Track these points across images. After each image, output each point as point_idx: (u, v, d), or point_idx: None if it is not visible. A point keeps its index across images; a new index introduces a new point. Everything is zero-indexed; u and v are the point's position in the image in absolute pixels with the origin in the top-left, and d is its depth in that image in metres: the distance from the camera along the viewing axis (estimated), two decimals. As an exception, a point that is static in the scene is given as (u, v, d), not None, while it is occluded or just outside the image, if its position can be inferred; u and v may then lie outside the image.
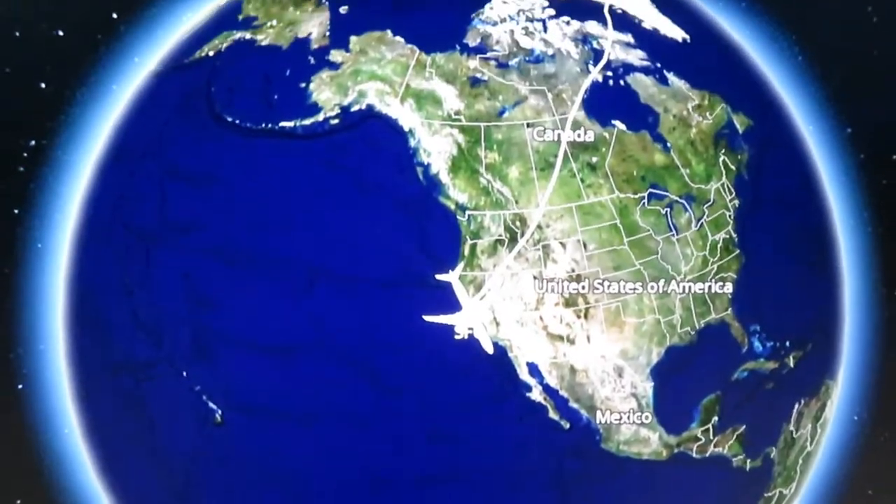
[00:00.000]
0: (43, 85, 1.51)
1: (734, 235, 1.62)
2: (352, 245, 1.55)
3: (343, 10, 1.61)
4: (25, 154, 1.53)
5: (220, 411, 1.56)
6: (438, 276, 1.56)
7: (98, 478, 1.62)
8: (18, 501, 1.57)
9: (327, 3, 1.62)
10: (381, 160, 1.57)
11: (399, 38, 1.60)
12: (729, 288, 1.62)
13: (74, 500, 1.62)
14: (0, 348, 1.53)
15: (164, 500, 1.61)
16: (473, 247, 1.57)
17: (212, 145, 1.56)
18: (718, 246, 1.61)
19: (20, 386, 1.55)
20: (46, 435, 1.59)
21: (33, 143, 1.52)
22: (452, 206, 1.57)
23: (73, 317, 1.58)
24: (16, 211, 1.53)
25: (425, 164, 1.56)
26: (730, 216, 1.62)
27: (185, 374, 1.56)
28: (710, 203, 1.60)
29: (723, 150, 1.63)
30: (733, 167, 1.63)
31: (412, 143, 1.56)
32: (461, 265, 1.57)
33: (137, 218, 1.57)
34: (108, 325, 1.57)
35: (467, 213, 1.57)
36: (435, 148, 1.57)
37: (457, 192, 1.57)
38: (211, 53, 1.60)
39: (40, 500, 1.59)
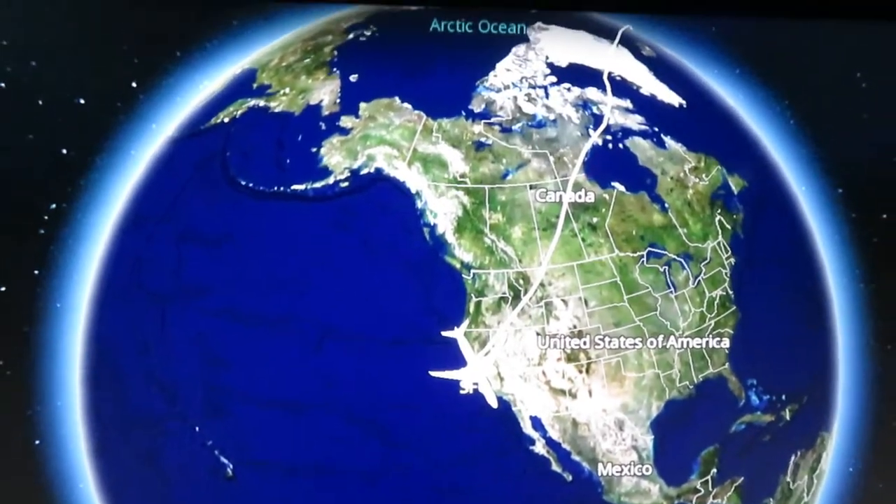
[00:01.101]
0: (64, 151, 1.58)
1: (730, 292, 1.69)
2: (360, 304, 1.62)
3: (353, 78, 1.69)
4: (46, 217, 1.57)
5: (231, 466, 1.62)
6: (444, 333, 1.63)
7: None
8: (35, 557, 1.62)
9: (338, 71, 1.70)
10: (389, 221, 1.63)
11: (407, 105, 1.67)
12: (726, 343, 1.68)
13: None
14: (18, 405, 1.58)
15: None
16: (478, 304, 1.64)
17: (226, 208, 1.62)
18: (715, 302, 1.68)
19: (37, 441, 1.59)
20: (62, 490, 1.63)
21: (54, 206, 1.57)
22: (458, 266, 1.64)
23: (90, 374, 1.63)
24: (36, 272, 1.58)
25: (432, 224, 1.64)
26: (726, 273, 1.68)
27: (197, 429, 1.62)
28: (706, 261, 1.67)
29: (719, 210, 1.69)
30: (729, 226, 1.69)
31: (419, 204, 1.64)
32: (466, 322, 1.64)
33: (153, 279, 1.63)
34: (124, 382, 1.63)
35: (472, 271, 1.64)
36: (441, 209, 1.64)
37: (462, 252, 1.64)
38: (226, 120, 1.67)
39: (56, 554, 1.65)
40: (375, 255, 1.63)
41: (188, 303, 1.62)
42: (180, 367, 1.62)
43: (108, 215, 1.63)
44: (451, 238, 1.64)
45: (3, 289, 1.62)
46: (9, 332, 1.61)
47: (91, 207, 1.62)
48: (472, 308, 1.64)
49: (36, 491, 1.62)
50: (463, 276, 1.64)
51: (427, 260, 1.64)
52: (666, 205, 1.67)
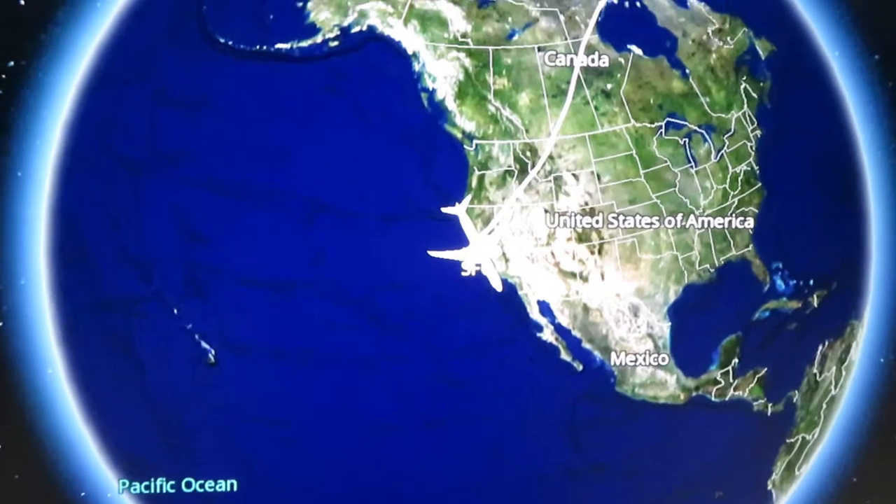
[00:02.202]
0: (21, 1, 1.46)
1: (756, 167, 1.60)
2: (352, 176, 1.52)
3: (343, -77, 1.58)
4: (3, 76, 1.46)
5: (213, 351, 1.53)
6: (444, 210, 1.54)
7: (84, 422, 1.58)
8: (0, 447, 1.53)
9: (326, -85, 1.59)
10: (383, 86, 1.53)
11: (403, -46, 1.57)
12: (750, 223, 1.60)
13: (58, 445, 1.57)
14: (-23, 284, 1.49)
15: (153, 445, 1.57)
16: (481, 178, 1.55)
17: (203, 68, 1.51)
18: (739, 178, 1.59)
19: (0, 324, 1.51)
20: (28, 376, 1.54)
21: (12, 63, 1.46)
22: (459, 135, 1.54)
23: (56, 250, 1.53)
24: (-6, 137, 1.48)
25: (430, 89, 1.53)
26: (751, 147, 1.59)
27: (176, 311, 1.52)
28: (730, 133, 1.58)
29: (744, 77, 1.60)
30: (755, 95, 1.60)
31: (416, 67, 1.53)
32: (468, 197, 1.55)
33: (124, 146, 1.52)
34: (94, 259, 1.53)
35: (475, 142, 1.55)
36: (440, 73, 1.54)
37: (464, 120, 1.55)
38: (202, -31, 1.57)
39: (22, 445, 1.54)
40: (368, 123, 1.53)
41: (163, 171, 1.51)
42: (156, 242, 1.52)
43: (73, 74, 1.51)
44: (451, 105, 1.54)
45: (-44, 157, 1.52)
46: (-36, 205, 1.52)
47: (53, 65, 1.50)
48: (474, 182, 1.55)
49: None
50: (465, 146, 1.54)
51: (425, 129, 1.54)
52: (687, 70, 1.57)
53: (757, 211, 1.60)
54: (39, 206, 1.51)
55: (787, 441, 1.71)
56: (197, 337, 1.53)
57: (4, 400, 1.53)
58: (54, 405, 1.56)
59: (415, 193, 1.54)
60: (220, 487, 1.56)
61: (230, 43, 1.51)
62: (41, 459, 1.58)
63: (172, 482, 1.56)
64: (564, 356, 1.59)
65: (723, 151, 1.58)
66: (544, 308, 1.57)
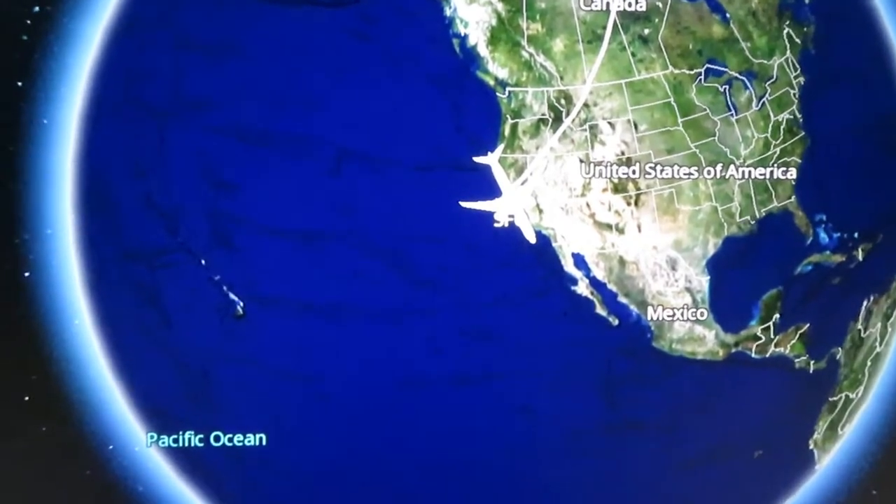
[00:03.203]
0: (47, -54, 1.46)
1: (799, 116, 1.55)
2: (382, 124, 1.51)
3: None
4: (29, 21, 1.46)
5: (241, 303, 1.53)
6: (476, 159, 1.52)
7: (111, 374, 1.58)
8: (27, 398, 1.53)
9: None
10: (414, 31, 1.51)
11: None
12: (793, 173, 1.56)
13: (85, 397, 1.58)
14: (5, 233, 1.48)
15: (181, 398, 1.57)
16: (514, 126, 1.53)
17: (230, 13, 1.48)
18: (781, 127, 1.55)
19: (27, 273, 1.50)
20: (55, 327, 1.54)
21: (37, 9, 1.45)
22: (491, 82, 1.52)
23: (81, 199, 1.53)
24: (19, 83, 1.46)
25: (462, 35, 1.51)
26: (794, 94, 1.55)
27: (203, 262, 1.53)
28: (772, 80, 1.54)
29: (787, 22, 1.55)
30: (798, 40, 1.55)
31: (447, 12, 1.50)
32: (501, 146, 1.53)
33: (150, 93, 1.51)
34: (120, 208, 1.53)
35: (508, 89, 1.52)
36: (472, 18, 1.51)
37: (496, 67, 1.53)
38: (229, -89, 1.56)
39: (49, 397, 1.55)
40: (399, 69, 1.51)
41: (188, 119, 1.50)
42: (182, 191, 1.52)
43: (99, 20, 1.51)
44: (483, 51, 1.52)
45: (-17, 105, 1.52)
46: (-10, 153, 1.53)
47: (79, 11, 1.49)
48: (507, 131, 1.53)
49: (25, 327, 1.53)
50: (497, 94, 1.52)
51: (456, 75, 1.52)
52: (727, 14, 1.53)
53: (800, 161, 1.56)
54: (65, 154, 1.51)
55: (830, 399, 1.68)
56: (224, 288, 1.53)
57: (31, 351, 1.54)
58: (81, 357, 1.57)
59: (446, 142, 1.53)
60: (249, 441, 1.56)
61: (257, -14, 1.53)
62: (68, 412, 1.58)
63: (201, 435, 1.57)
64: (599, 310, 1.57)
65: (764, 99, 1.54)
66: (579, 261, 1.56)
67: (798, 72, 1.57)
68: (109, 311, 1.56)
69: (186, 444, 1.57)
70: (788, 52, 1.56)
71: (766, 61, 1.56)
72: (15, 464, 1.59)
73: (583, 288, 1.57)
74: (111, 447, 1.61)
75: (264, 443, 1.57)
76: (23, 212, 1.51)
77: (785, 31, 1.56)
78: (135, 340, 1.56)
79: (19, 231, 1.51)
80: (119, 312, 1.56)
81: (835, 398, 1.69)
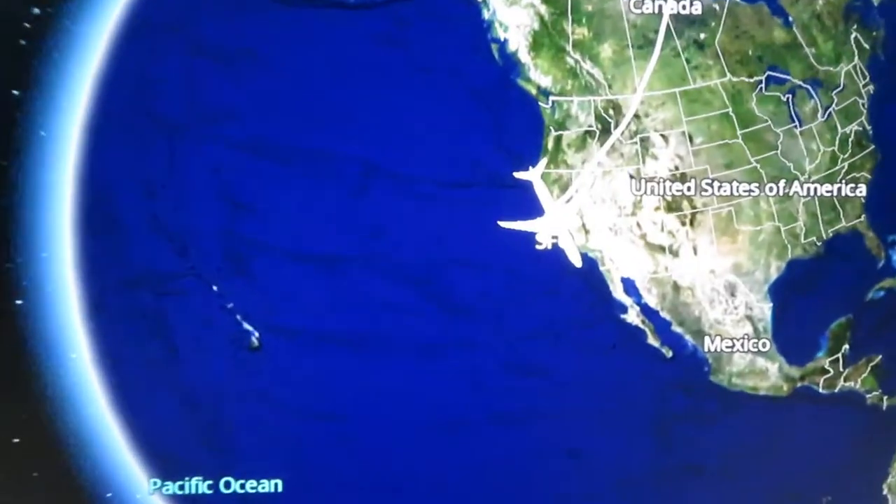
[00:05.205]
0: (48, -58, 1.39)
1: (868, 128, 1.51)
2: (413, 138, 1.46)
3: None
4: (27, 24, 1.38)
5: (256, 333, 1.46)
6: (517, 175, 1.48)
7: (111, 414, 1.48)
8: (16, 440, 1.43)
9: None
10: (449, 36, 1.46)
11: None
12: (862, 190, 1.51)
13: (82, 439, 1.48)
14: (-5, 256, 1.40)
15: (189, 440, 1.48)
16: (558, 139, 1.49)
17: (249, 16, 1.42)
18: (850, 140, 1.51)
19: (19, 301, 1.41)
20: (50, 361, 1.44)
21: (37, 11, 1.38)
22: (534, 91, 1.48)
23: (82, 219, 1.44)
24: (15, 92, 1.38)
25: (501, 40, 1.47)
26: (863, 105, 1.51)
27: (215, 288, 1.45)
28: (839, 89, 1.50)
29: (854, 26, 1.50)
30: (867, 46, 1.51)
31: (486, 15, 1.46)
32: (544, 161, 1.48)
33: (160, 103, 1.44)
34: (125, 229, 1.45)
35: (551, 98, 1.48)
36: (513, 21, 1.47)
37: (539, 74, 1.48)
38: None
39: (42, 438, 1.44)
40: (432, 78, 1.46)
41: (203, 132, 1.43)
42: (193, 210, 1.45)
43: (104, 23, 1.42)
44: (525, 57, 1.47)
45: (-26, 116, 1.45)
46: (-18, 168, 1.45)
47: (83, 13, 1.42)
48: (550, 144, 1.48)
49: (16, 361, 1.42)
50: (540, 104, 1.47)
51: (496, 84, 1.47)
52: (790, 18, 1.49)
53: (870, 177, 1.52)
54: (65, 170, 1.43)
55: None
56: (238, 318, 1.47)
57: (23, 387, 1.43)
58: (78, 394, 1.47)
59: (484, 157, 1.48)
60: (264, 488, 1.48)
61: (278, -13, 1.47)
62: (63, 455, 1.47)
63: (210, 482, 1.48)
64: (652, 341, 1.52)
65: (831, 109, 1.50)
66: (629, 286, 1.51)
67: (867, 80, 1.52)
68: (111, 343, 1.47)
69: (194, 492, 1.48)
70: (856, 58, 1.52)
71: (832, 68, 1.51)
72: (3, 513, 1.51)
73: (633, 316, 1.52)
74: (109, 495, 1.51)
75: (280, 490, 1.49)
76: (16, 233, 1.42)
77: (852, 36, 1.52)
78: (138, 375, 1.47)
79: (11, 254, 1.41)
80: (122, 344, 1.46)
81: (911, 438, 1.65)
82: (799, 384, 1.56)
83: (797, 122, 1.51)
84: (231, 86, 1.45)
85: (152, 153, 1.45)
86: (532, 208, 1.48)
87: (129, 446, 1.50)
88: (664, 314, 1.52)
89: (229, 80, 1.45)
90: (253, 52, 1.45)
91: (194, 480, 1.49)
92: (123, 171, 1.46)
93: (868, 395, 1.58)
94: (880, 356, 1.57)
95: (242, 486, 1.49)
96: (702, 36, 1.49)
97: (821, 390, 1.56)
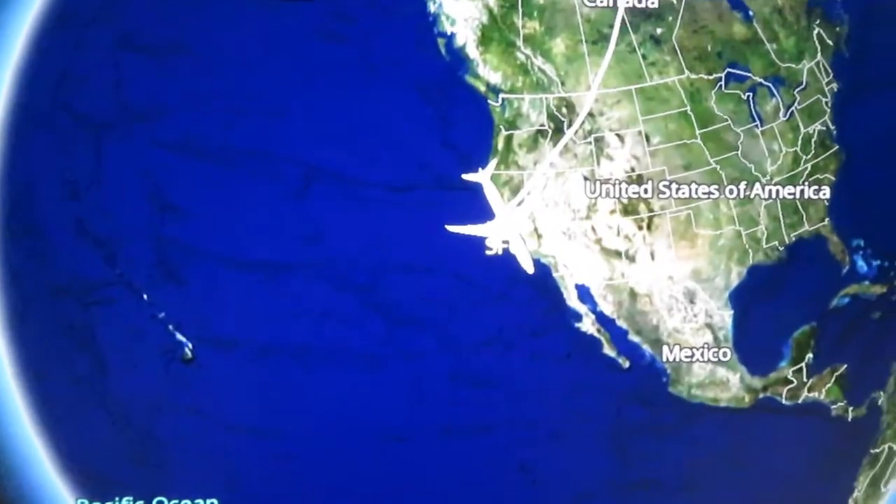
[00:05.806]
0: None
1: (832, 127, 1.49)
2: (356, 137, 1.43)
3: None
4: (-60, 16, 1.36)
5: (190, 345, 1.44)
6: (465, 176, 1.45)
7: (34, 429, 1.47)
8: (-68, 462, 1.39)
9: None
10: (394, 30, 1.43)
11: None
12: (826, 192, 1.49)
13: (4, 458, 1.46)
14: None
15: (118, 458, 1.45)
16: (509, 139, 1.46)
17: (180, 8, 1.40)
18: (813, 140, 1.49)
19: (-66, 312, 1.38)
20: (-33, 375, 1.43)
21: (-50, 1, 1.35)
22: (483, 88, 1.45)
23: (1, 224, 1.43)
24: (-71, 88, 1.36)
25: (448, 34, 1.44)
26: (826, 103, 1.48)
27: (145, 297, 1.43)
28: (802, 87, 1.47)
29: (818, 21, 1.48)
30: (830, 42, 1.48)
31: (432, 8, 1.43)
32: (494, 162, 1.46)
33: (85, 100, 1.42)
34: (47, 234, 1.43)
35: (501, 96, 1.46)
36: (461, 14, 1.44)
37: (488, 71, 1.46)
38: None
39: (-39, 458, 1.41)
40: (375, 74, 1.42)
41: (131, 130, 1.41)
42: (122, 215, 1.42)
43: (23, 15, 1.41)
44: (473, 52, 1.44)
45: None
46: None
47: (1, 3, 1.40)
48: (500, 144, 1.45)
49: (-68, 377, 1.40)
50: (489, 102, 1.44)
51: (442, 81, 1.44)
52: (750, 12, 1.46)
53: (834, 179, 1.49)
54: (-18, 171, 1.42)
55: (872, 452, 1.60)
56: (171, 328, 1.44)
57: (-61, 404, 1.40)
58: (-1, 409, 1.46)
59: (430, 158, 1.45)
60: (199, 508, 1.47)
61: (211, -23, 1.44)
62: (-18, 476, 1.46)
63: (141, 502, 1.44)
64: (608, 350, 1.49)
65: (793, 108, 1.47)
66: (584, 293, 1.48)
67: (830, 77, 1.50)
68: (33, 356, 1.45)
69: (124, 512, 1.48)
70: (819, 54, 1.49)
71: (794, 65, 1.49)
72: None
73: (588, 325, 1.49)
74: (34, 517, 1.51)
75: (217, 509, 1.48)
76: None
77: (815, 32, 1.50)
78: (64, 390, 1.45)
79: (-74, 262, 1.38)
80: (45, 357, 1.45)
81: (877, 450, 1.61)
82: (761, 395, 1.53)
83: (758, 122, 1.48)
84: (161, 82, 1.43)
85: (76, 153, 1.43)
86: (481, 212, 1.45)
87: (54, 465, 1.48)
88: (621, 322, 1.49)
89: (159, 75, 1.42)
90: (185, 46, 1.42)
91: (125, 501, 1.45)
92: (45, 172, 1.43)
93: (833, 407, 1.55)
94: (845, 365, 1.55)
95: (176, 507, 1.50)
96: (658, 31, 1.47)
97: (784, 401, 1.53)
